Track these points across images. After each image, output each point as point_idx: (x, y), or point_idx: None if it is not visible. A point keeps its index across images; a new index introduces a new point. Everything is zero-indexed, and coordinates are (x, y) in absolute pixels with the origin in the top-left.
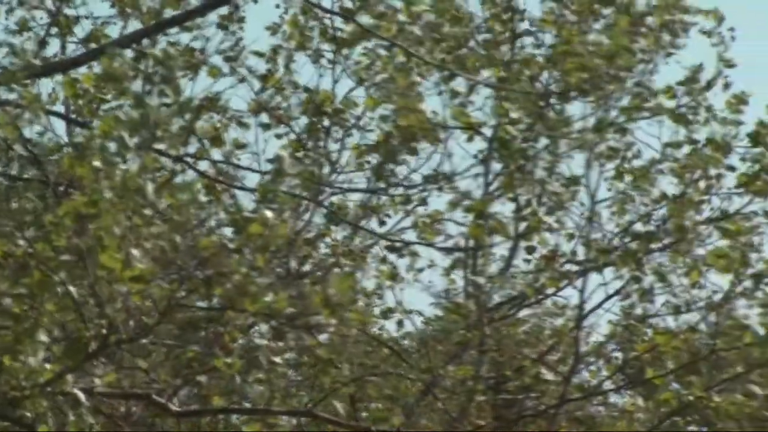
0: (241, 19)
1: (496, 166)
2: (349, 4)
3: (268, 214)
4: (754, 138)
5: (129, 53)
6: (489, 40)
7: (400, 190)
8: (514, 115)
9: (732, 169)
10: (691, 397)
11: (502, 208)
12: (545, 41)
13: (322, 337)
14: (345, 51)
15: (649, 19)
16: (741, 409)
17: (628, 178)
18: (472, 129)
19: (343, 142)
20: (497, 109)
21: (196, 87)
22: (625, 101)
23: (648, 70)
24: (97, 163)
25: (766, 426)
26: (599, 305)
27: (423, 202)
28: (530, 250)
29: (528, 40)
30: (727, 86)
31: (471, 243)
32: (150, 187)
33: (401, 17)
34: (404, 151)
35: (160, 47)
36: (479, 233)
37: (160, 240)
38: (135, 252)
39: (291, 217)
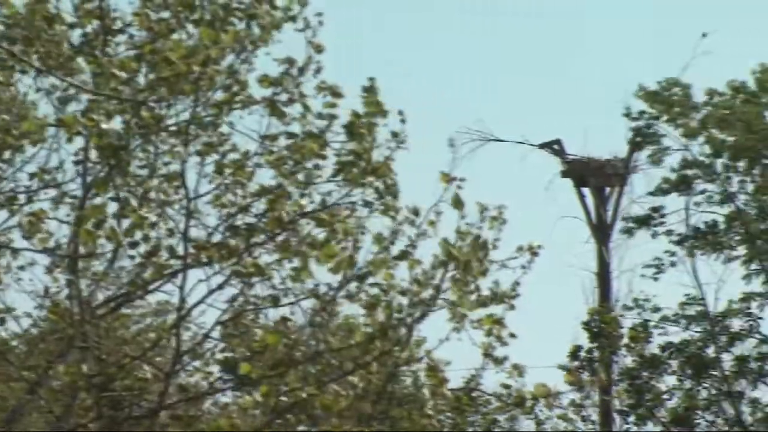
0: None
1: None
2: None
3: None
4: (350, 129)
5: None
6: (83, 42)
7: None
8: (108, 116)
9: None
10: (303, 395)
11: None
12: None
13: None
14: None
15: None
16: (351, 404)
17: (227, 171)
18: (66, 126)
19: None
20: (92, 108)
21: None
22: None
23: (240, 62)
24: None
25: (370, 420)
26: (200, 301)
27: (29, 201)
28: (133, 245)
29: (121, 39)
30: (318, 71)
31: (76, 245)
32: None
33: None
34: (9, 150)
35: None
36: (91, 239)
37: None
38: None
39: None
